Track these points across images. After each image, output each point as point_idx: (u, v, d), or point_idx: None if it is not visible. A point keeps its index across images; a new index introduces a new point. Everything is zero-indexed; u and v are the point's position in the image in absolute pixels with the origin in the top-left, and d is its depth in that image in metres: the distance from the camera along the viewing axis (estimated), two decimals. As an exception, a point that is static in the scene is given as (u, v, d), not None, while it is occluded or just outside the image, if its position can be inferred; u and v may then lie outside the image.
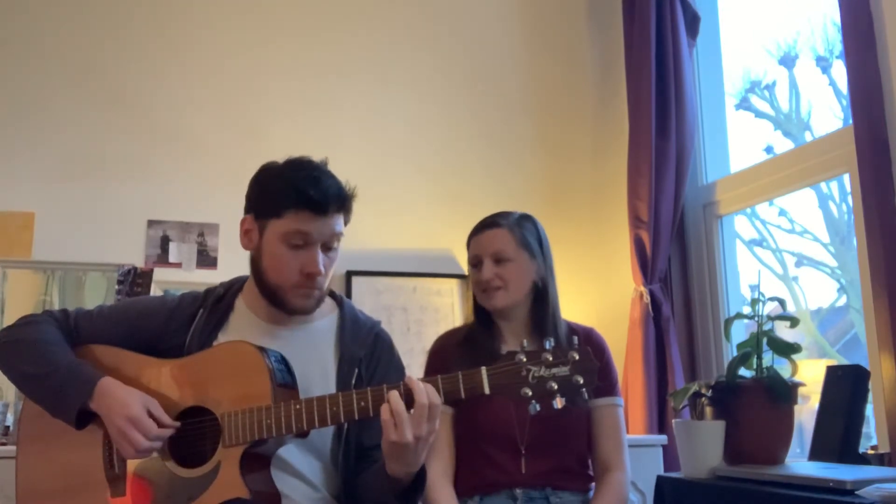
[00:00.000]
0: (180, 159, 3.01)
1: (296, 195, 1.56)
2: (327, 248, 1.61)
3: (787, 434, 1.78)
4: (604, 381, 1.87)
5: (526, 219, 1.93)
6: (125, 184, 2.95)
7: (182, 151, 3.02)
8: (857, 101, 2.13)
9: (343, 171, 1.67)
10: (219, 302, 1.71)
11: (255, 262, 1.65)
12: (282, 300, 1.62)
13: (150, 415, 1.50)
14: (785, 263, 3.16)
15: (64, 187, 2.89)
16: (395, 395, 1.40)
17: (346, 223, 1.65)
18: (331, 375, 1.66)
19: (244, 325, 1.68)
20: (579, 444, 1.88)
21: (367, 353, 1.70)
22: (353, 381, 1.65)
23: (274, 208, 1.59)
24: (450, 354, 1.88)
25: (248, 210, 1.66)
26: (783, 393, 1.73)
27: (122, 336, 1.66)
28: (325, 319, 1.73)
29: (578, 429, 1.87)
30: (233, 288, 1.75)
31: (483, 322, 1.93)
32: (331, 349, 1.69)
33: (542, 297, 1.91)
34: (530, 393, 1.37)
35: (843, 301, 3.08)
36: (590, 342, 1.89)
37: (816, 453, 1.89)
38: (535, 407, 1.37)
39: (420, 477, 1.50)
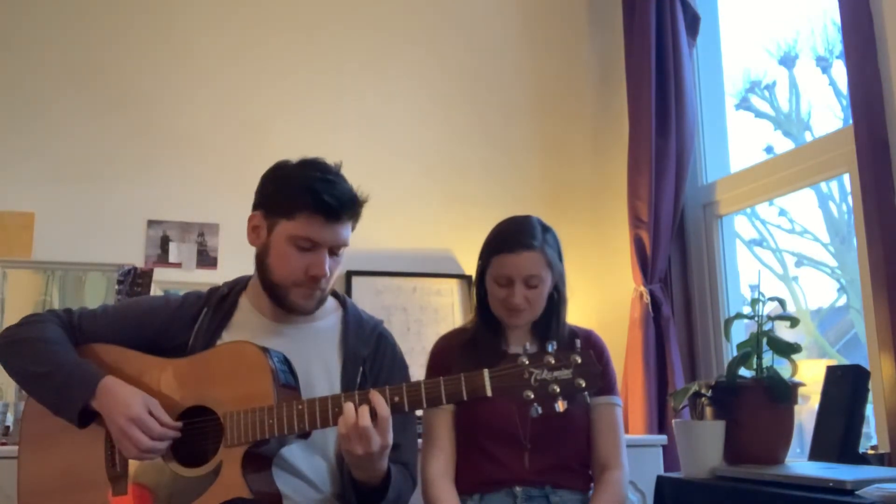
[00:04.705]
0: (180, 159, 3.01)
1: (311, 199, 1.56)
2: (333, 252, 1.62)
3: (787, 434, 1.78)
4: (602, 381, 1.87)
5: (547, 231, 1.89)
6: (125, 184, 2.95)
7: (182, 151, 3.02)
8: (857, 101, 2.13)
9: (344, 171, 1.67)
10: (223, 301, 1.71)
11: (261, 259, 1.65)
12: (283, 298, 1.63)
13: (151, 415, 1.50)
14: (785, 263, 3.17)
15: (64, 187, 2.89)
16: (349, 408, 1.42)
17: (353, 229, 1.66)
18: (335, 374, 1.66)
19: (248, 323, 1.68)
20: (580, 442, 1.88)
21: (370, 352, 1.71)
22: (359, 381, 1.66)
23: (286, 209, 1.59)
24: (452, 355, 1.88)
25: (257, 206, 1.65)
26: (783, 393, 1.73)
27: (126, 335, 1.66)
28: (329, 318, 1.74)
29: (579, 426, 1.88)
30: (237, 286, 1.75)
31: (488, 323, 1.92)
32: (334, 348, 1.69)
33: (553, 305, 1.92)
34: (532, 395, 1.38)
35: (843, 301, 3.09)
36: (589, 344, 1.90)
37: (816, 453, 1.90)
38: (537, 409, 1.38)
39: (385, 480, 1.53)
